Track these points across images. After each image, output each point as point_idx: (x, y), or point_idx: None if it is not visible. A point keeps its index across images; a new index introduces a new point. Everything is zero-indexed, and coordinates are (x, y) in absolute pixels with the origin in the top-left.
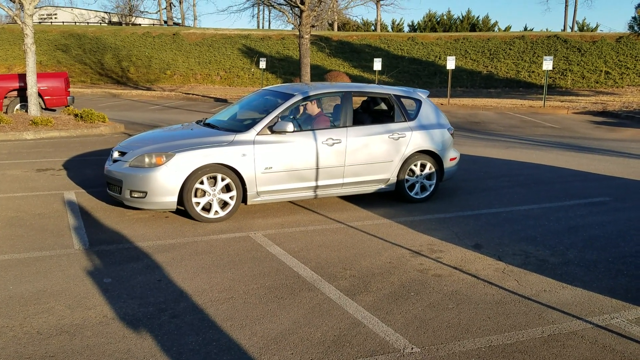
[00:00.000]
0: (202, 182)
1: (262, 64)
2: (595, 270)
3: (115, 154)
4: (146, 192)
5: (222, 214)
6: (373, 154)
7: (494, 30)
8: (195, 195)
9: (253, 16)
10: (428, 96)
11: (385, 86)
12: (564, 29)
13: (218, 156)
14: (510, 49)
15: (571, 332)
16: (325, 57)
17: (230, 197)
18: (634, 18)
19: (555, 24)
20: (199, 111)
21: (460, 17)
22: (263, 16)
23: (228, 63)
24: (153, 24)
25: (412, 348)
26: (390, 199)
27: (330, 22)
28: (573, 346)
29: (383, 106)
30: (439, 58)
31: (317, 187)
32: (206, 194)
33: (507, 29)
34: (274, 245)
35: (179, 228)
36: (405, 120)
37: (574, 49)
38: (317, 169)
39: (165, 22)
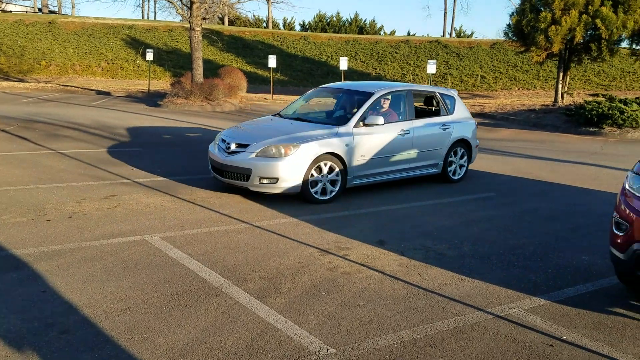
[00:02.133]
0: (317, 169)
1: (149, 56)
2: (489, 262)
3: (233, 146)
4: (278, 179)
5: (329, 195)
6: (430, 143)
7: (380, 34)
8: (312, 180)
9: (138, 6)
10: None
11: (428, 85)
12: (444, 35)
13: (331, 146)
14: (396, 53)
15: (475, 323)
16: (217, 52)
17: (335, 182)
18: (509, 25)
19: (436, 29)
20: (80, 104)
21: (349, 20)
22: (148, 6)
23: (110, 54)
24: (26, 12)
25: (327, 349)
26: (293, 198)
27: (221, 16)
28: (478, 337)
29: (432, 102)
30: (331, 58)
31: (393, 171)
32: (316, 178)
33: (392, 33)
34: (174, 249)
35: (63, 233)
36: (448, 114)
37: (454, 54)
38: (395, 155)
39: (40, 9)
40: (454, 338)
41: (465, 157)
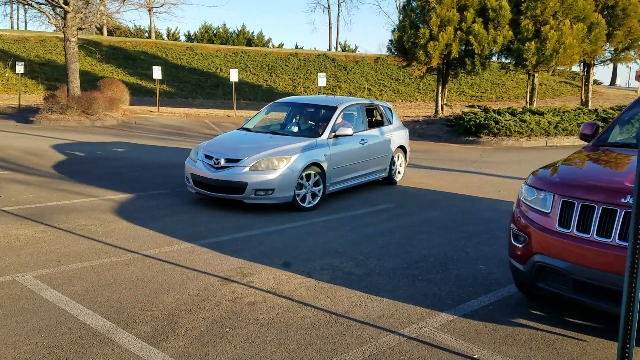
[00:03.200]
0: (305, 178)
1: (19, 69)
2: (395, 278)
3: (222, 161)
4: (274, 189)
5: (314, 202)
6: (381, 150)
7: (268, 46)
8: (301, 189)
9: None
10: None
11: (371, 99)
12: (330, 49)
13: (314, 157)
14: (286, 65)
15: (389, 348)
16: (96, 63)
17: (318, 190)
18: (391, 41)
19: (322, 43)
20: None
21: (236, 32)
22: (18, 16)
23: None
24: None
25: None
26: (191, 222)
27: (99, 26)
28: None
29: (375, 114)
30: (220, 70)
31: (356, 177)
32: (303, 187)
33: (281, 45)
34: (49, 290)
35: None
36: (390, 124)
37: (341, 68)
38: (358, 162)
39: None
40: None
41: (403, 161)
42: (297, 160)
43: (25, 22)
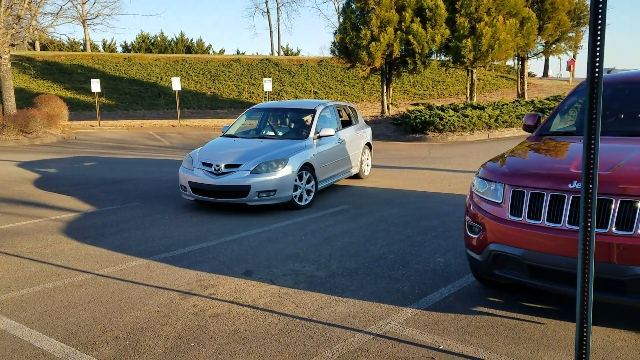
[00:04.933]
0: (299, 178)
1: None
2: (357, 277)
3: (222, 167)
4: (276, 190)
5: (309, 199)
6: (353, 148)
7: (209, 53)
8: (298, 189)
9: None
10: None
11: (339, 101)
12: (272, 53)
13: (306, 158)
14: (229, 71)
15: (357, 347)
16: (31, 79)
17: (311, 186)
18: (334, 43)
19: (264, 48)
20: None
21: (175, 39)
22: None
23: None
24: None
25: None
26: (143, 237)
27: (31, 41)
28: None
29: (343, 114)
30: (160, 79)
31: (336, 174)
32: (298, 187)
33: (222, 52)
34: (1, 317)
35: None
36: (357, 123)
37: (285, 72)
38: (336, 160)
39: None
40: None
41: (369, 157)
42: (293, 161)
43: None
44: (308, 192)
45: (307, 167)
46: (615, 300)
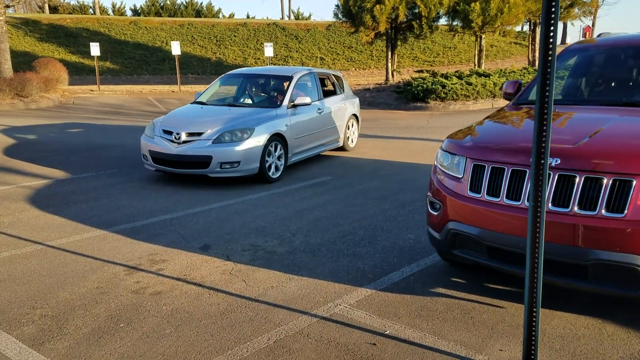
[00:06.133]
0: (268, 150)
1: None
2: (319, 254)
3: (184, 136)
4: (239, 162)
5: (278, 174)
6: (335, 119)
7: (218, 17)
8: (266, 160)
9: None
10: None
11: (323, 68)
12: (282, 18)
13: (276, 127)
14: (235, 36)
15: (297, 332)
16: (36, 43)
17: (280, 161)
18: (337, 6)
19: (275, 12)
20: None
21: (185, 3)
22: None
23: None
24: None
25: None
26: (109, 206)
27: (40, 3)
28: (299, 349)
29: (327, 83)
30: (166, 44)
31: (314, 147)
32: (269, 158)
33: (231, 16)
34: None
35: None
36: (342, 93)
37: (292, 37)
38: (315, 132)
39: None
40: (272, 356)
41: (356, 129)
42: (261, 130)
43: None
44: (277, 166)
45: (278, 137)
46: (576, 286)
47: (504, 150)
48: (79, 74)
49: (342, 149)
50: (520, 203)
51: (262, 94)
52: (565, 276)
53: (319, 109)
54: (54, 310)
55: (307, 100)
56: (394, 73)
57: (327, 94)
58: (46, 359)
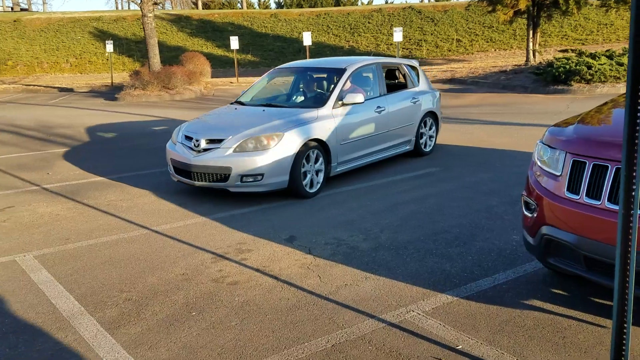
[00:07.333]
0: (304, 158)
1: (109, 47)
2: (404, 253)
3: (203, 143)
4: (263, 174)
5: (316, 188)
6: (404, 118)
7: (357, 5)
8: (302, 171)
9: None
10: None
11: (393, 57)
12: (422, 0)
13: (314, 132)
14: (369, 23)
15: (359, 336)
16: (187, 37)
17: (319, 171)
18: None
19: None
20: (37, 104)
21: None
22: None
23: (78, 49)
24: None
25: None
26: (219, 192)
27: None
28: (356, 356)
29: (397, 75)
30: (302, 34)
31: (372, 152)
32: (303, 169)
33: (370, 2)
34: (42, 270)
35: None
36: (415, 86)
37: (428, 19)
38: (373, 135)
39: (12, 8)
40: None
41: (434, 128)
42: (292, 136)
43: (129, 3)
44: (318, 172)
45: (317, 144)
46: None
47: (609, 144)
48: (223, 66)
49: (414, 153)
50: None
51: (312, 91)
52: None
53: (378, 107)
54: (138, 294)
55: (359, 98)
56: (536, 53)
57: (394, 88)
58: (117, 343)
